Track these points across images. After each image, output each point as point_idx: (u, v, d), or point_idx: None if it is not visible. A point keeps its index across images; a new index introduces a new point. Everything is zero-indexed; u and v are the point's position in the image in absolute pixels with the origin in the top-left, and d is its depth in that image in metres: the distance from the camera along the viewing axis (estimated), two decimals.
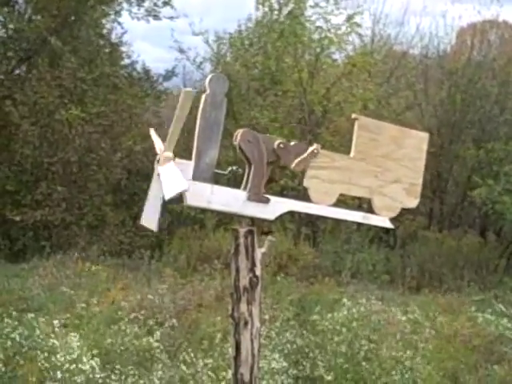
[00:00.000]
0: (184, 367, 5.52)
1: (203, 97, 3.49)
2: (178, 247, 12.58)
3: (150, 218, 3.68)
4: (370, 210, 3.81)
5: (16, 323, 6.00)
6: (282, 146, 3.54)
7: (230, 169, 3.60)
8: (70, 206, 13.34)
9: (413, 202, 3.80)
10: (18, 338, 5.58)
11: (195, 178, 3.43)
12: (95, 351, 5.54)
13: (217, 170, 3.52)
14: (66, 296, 8.10)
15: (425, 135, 3.87)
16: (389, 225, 3.74)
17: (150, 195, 3.66)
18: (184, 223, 14.36)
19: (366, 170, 3.64)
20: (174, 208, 12.15)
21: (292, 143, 3.62)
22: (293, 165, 3.54)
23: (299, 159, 3.54)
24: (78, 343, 5.46)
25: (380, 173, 3.67)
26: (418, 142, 3.80)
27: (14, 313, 6.46)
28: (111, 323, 6.70)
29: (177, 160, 3.44)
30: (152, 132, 3.97)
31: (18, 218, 12.71)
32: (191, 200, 3.41)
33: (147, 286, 8.52)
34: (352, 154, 3.66)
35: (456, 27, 18.28)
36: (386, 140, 3.68)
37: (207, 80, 3.50)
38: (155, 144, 3.75)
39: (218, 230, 13.02)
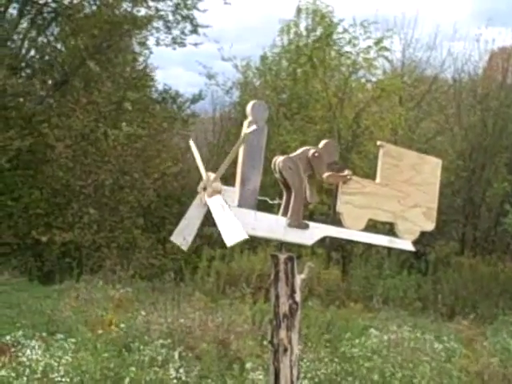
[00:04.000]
0: None
1: (245, 124, 3.50)
2: (205, 270, 12.54)
3: (184, 237, 3.67)
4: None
5: (44, 345, 6.00)
6: (316, 154, 3.59)
7: (276, 201, 3.60)
8: (101, 228, 13.46)
9: (430, 226, 3.93)
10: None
11: (240, 204, 3.44)
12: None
13: (260, 197, 3.52)
14: (97, 318, 8.08)
15: (438, 161, 4.00)
16: (411, 248, 3.85)
17: (189, 216, 3.62)
18: (212, 245, 14.31)
19: (390, 195, 3.78)
20: (203, 231, 12.12)
21: (322, 143, 3.67)
22: (325, 175, 3.60)
23: (330, 173, 3.61)
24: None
25: (402, 198, 3.81)
26: (433, 167, 3.95)
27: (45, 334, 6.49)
28: (140, 346, 6.62)
29: (222, 187, 3.44)
30: (192, 144, 3.87)
31: (44, 239, 12.83)
32: None
33: (177, 310, 8.46)
34: (378, 179, 3.78)
35: (488, 51, 18.20)
36: (407, 166, 3.83)
37: (249, 107, 3.52)
38: (195, 157, 3.68)
39: (243, 252, 12.91)
